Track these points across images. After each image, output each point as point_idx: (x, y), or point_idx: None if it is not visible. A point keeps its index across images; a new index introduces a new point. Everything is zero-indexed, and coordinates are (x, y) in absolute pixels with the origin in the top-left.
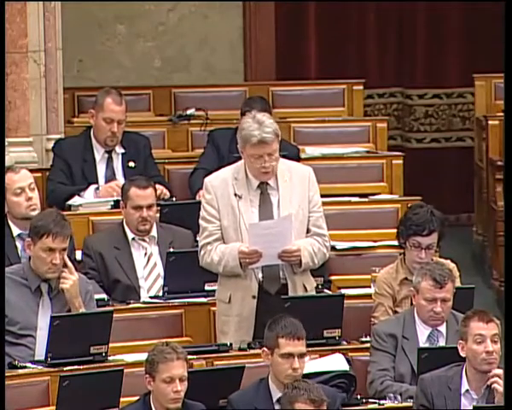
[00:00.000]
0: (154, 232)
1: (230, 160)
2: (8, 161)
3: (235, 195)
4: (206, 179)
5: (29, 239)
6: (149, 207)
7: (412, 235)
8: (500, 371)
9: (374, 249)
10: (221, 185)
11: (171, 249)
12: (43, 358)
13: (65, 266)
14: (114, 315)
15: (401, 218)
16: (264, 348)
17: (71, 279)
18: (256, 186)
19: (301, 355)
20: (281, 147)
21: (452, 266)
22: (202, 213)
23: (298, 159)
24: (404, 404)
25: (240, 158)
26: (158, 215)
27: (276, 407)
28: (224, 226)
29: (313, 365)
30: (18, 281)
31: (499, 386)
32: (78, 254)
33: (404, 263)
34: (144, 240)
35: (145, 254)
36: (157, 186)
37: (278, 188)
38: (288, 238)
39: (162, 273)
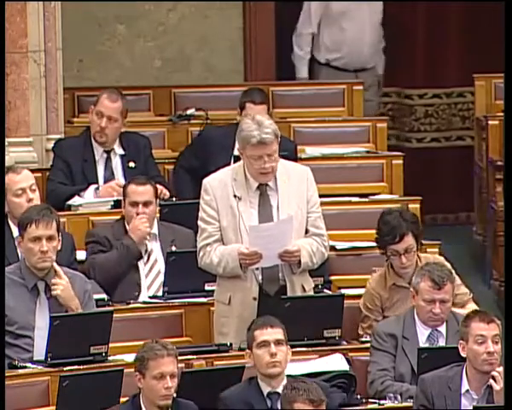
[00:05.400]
0: (154, 229)
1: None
2: (8, 161)
3: (235, 196)
4: (205, 180)
5: (19, 237)
6: (146, 204)
7: (387, 244)
8: (501, 369)
9: (374, 249)
10: (220, 186)
11: (174, 247)
12: (42, 358)
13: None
14: (114, 315)
15: (376, 229)
16: (247, 350)
17: (61, 284)
18: (255, 187)
19: (277, 341)
20: (279, 144)
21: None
22: (201, 214)
23: (295, 154)
24: (405, 404)
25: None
26: (158, 215)
27: (268, 401)
28: (223, 227)
29: (313, 365)
30: (16, 280)
31: (496, 385)
32: (79, 254)
33: (392, 268)
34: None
35: (145, 250)
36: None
37: (277, 189)
38: (288, 240)
39: (162, 270)
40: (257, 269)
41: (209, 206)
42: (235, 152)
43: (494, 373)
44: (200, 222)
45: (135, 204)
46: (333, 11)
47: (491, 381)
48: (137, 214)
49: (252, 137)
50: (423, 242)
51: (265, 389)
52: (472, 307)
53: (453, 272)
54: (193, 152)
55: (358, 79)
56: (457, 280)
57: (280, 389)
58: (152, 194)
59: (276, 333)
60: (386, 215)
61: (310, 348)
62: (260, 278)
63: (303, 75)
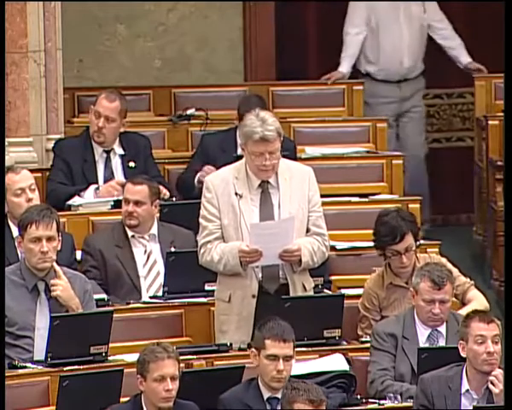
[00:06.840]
0: (154, 230)
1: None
2: (8, 161)
3: (236, 194)
4: (207, 178)
5: (19, 237)
6: (137, 203)
7: (387, 245)
8: (498, 372)
9: (374, 249)
10: (221, 184)
11: (173, 249)
12: (42, 358)
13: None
14: (114, 315)
15: (374, 230)
16: (253, 349)
17: (60, 285)
18: (257, 185)
19: (286, 358)
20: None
21: (444, 260)
22: (202, 211)
23: (294, 154)
24: (405, 404)
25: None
26: (157, 215)
27: (267, 406)
28: (225, 225)
29: (313, 365)
30: (16, 281)
31: (495, 388)
32: (79, 254)
33: (389, 268)
34: (144, 238)
35: (145, 251)
36: None
37: (279, 187)
38: (289, 239)
39: (162, 271)
40: (257, 267)
41: (210, 203)
42: (239, 151)
43: (491, 377)
44: (201, 220)
45: (126, 201)
46: (371, 23)
47: (490, 385)
48: (129, 213)
49: (254, 133)
50: (423, 242)
51: (266, 394)
52: (475, 293)
53: (452, 270)
54: (196, 166)
55: (402, 91)
56: (455, 272)
57: (280, 395)
58: (145, 195)
59: (288, 348)
60: (384, 216)
61: (310, 348)
62: (260, 275)
63: (342, 70)
